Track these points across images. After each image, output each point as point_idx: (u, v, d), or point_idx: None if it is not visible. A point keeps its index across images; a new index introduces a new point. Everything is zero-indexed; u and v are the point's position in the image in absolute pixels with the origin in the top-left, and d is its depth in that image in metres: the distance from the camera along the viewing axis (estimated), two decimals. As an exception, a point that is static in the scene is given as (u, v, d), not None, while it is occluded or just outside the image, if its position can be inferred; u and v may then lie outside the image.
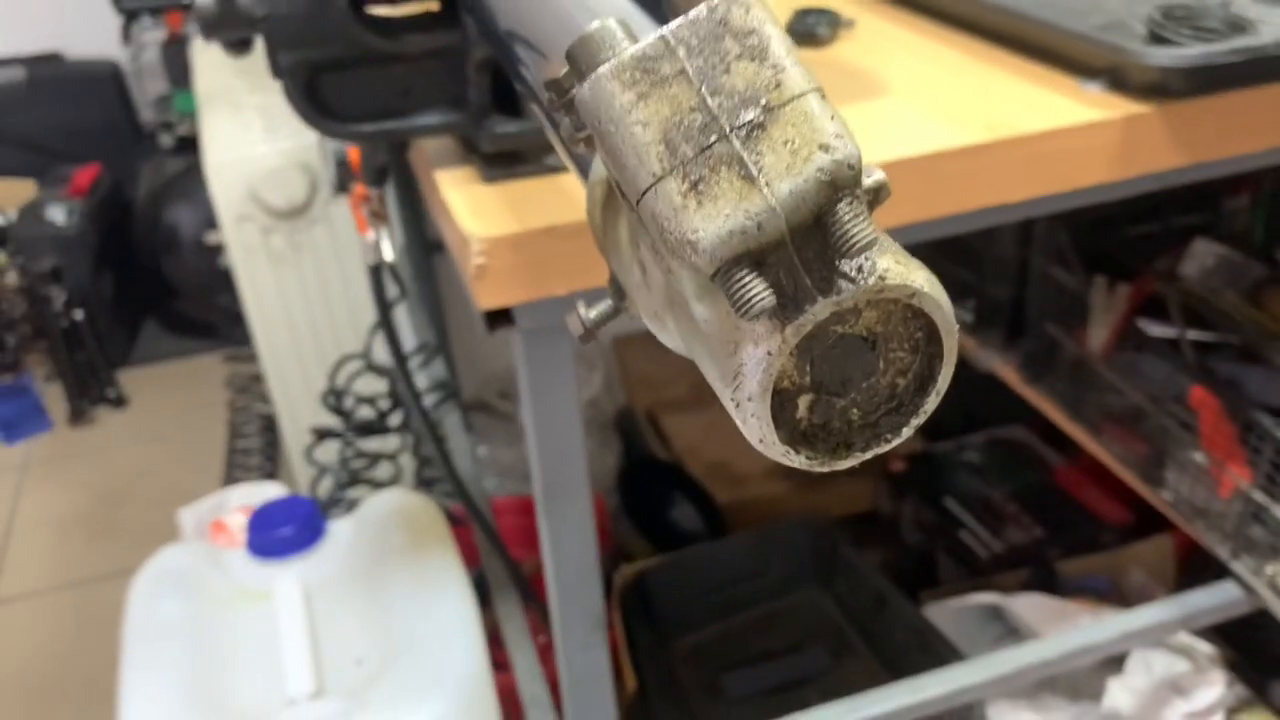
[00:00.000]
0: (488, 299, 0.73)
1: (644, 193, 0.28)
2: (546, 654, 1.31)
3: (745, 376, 0.29)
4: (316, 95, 0.75)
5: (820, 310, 0.28)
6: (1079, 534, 1.65)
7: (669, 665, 1.40)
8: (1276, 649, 1.42)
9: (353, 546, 1.17)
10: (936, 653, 1.26)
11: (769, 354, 0.29)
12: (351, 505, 1.55)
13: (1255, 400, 1.16)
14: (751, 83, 0.28)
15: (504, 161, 0.78)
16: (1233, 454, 1.16)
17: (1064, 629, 1.29)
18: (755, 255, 0.28)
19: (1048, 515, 1.68)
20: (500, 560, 1.28)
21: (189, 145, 2.37)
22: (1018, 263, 1.46)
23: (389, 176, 1.00)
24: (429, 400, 1.58)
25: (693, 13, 0.28)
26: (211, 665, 1.02)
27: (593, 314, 0.38)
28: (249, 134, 1.55)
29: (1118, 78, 0.84)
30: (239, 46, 0.76)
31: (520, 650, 1.22)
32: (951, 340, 0.30)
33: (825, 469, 0.32)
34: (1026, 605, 1.36)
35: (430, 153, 0.84)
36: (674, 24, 0.28)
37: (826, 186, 0.28)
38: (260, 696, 0.99)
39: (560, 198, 0.76)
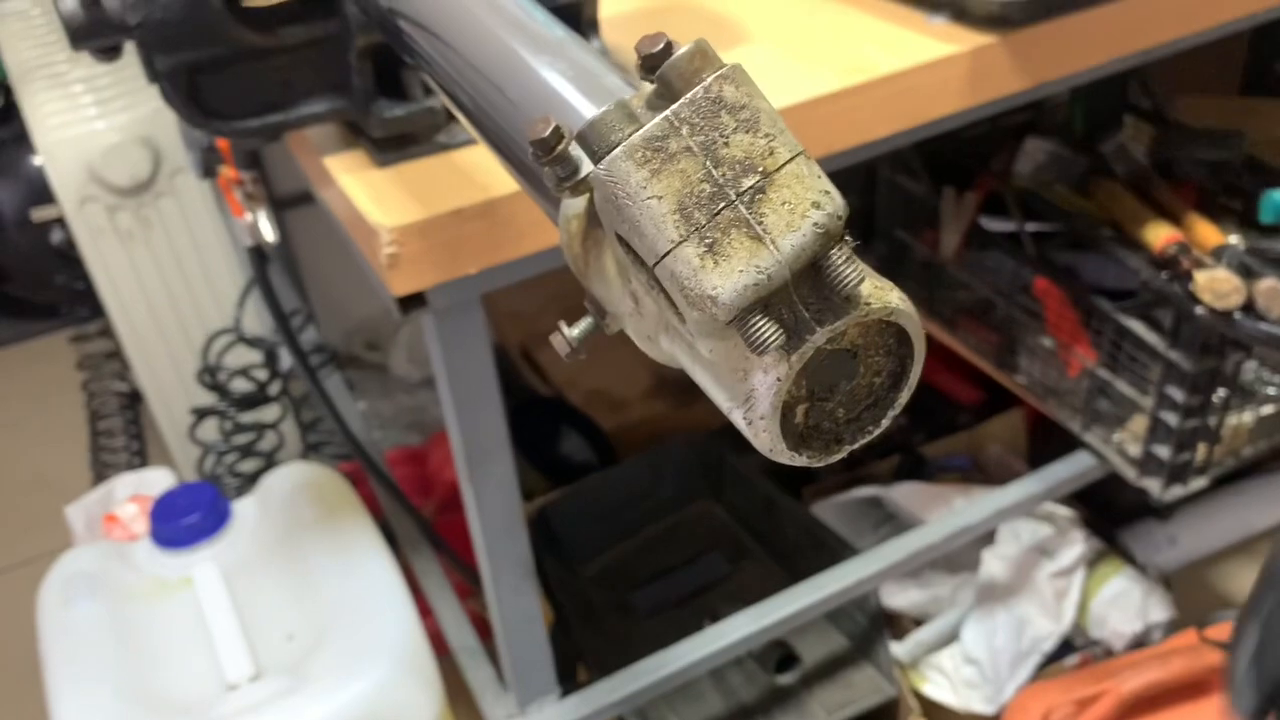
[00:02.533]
0: (401, 286, 0.75)
1: (663, 256, 0.32)
2: (462, 599, 1.35)
3: (757, 399, 0.34)
4: (197, 96, 0.74)
5: (819, 338, 0.33)
6: (939, 418, 1.77)
7: (581, 592, 1.46)
8: (1120, 504, 1.58)
9: (262, 524, 1.17)
10: (828, 547, 1.36)
11: (778, 379, 0.33)
12: (242, 481, 1.54)
13: (1092, 284, 1.27)
14: (749, 152, 0.31)
15: (395, 144, 0.79)
16: (1077, 336, 1.27)
17: (941, 511, 1.40)
18: (765, 300, 0.32)
19: (910, 403, 1.79)
20: (407, 514, 1.31)
21: (-2, 118, 2.23)
22: (865, 173, 1.54)
23: (262, 157, 0.99)
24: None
25: (689, 94, 0.31)
26: (142, 663, 1.02)
27: (575, 332, 0.41)
28: (80, 111, 1.48)
29: (960, 10, 0.90)
30: (109, 53, 0.74)
31: (443, 600, 1.26)
32: (921, 344, 0.35)
33: (823, 463, 0.37)
34: (904, 494, 1.47)
35: (313, 138, 0.84)
36: (675, 105, 0.31)
37: (821, 236, 0.32)
38: (199, 687, 1.00)
39: (459, 176, 0.77)
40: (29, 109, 1.52)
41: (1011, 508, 1.28)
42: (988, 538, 1.43)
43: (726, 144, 0.32)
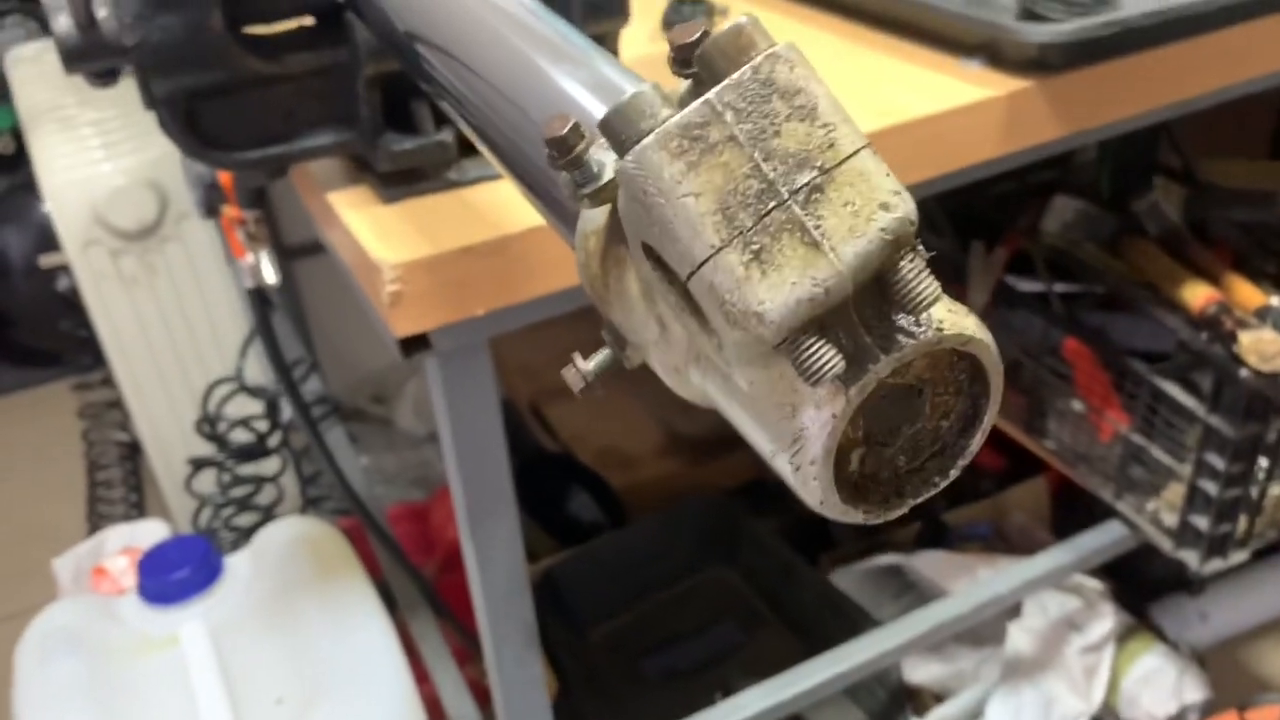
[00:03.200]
0: (404, 326, 0.70)
1: (700, 265, 0.27)
2: (461, 664, 1.29)
3: (808, 440, 0.28)
4: (196, 124, 0.70)
5: (883, 368, 0.28)
6: (961, 484, 1.69)
7: (588, 658, 1.39)
8: (1152, 576, 1.51)
9: (255, 581, 1.12)
10: (848, 617, 1.30)
11: (834, 416, 0.28)
12: (239, 535, 1.49)
13: (1123, 346, 1.22)
14: (805, 144, 0.27)
15: (402, 179, 0.75)
16: (1109, 400, 1.22)
17: (965, 582, 1.34)
18: (820, 320, 0.27)
19: (931, 468, 1.73)
20: (407, 574, 1.25)
21: (9, 164, 2.22)
22: (887, 229, 1.50)
23: (266, 197, 0.95)
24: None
25: (735, 75, 0.27)
26: (121, 726, 0.96)
27: (591, 365, 0.36)
28: (87, 153, 1.45)
29: (995, 54, 0.86)
30: (105, 78, 0.70)
31: (441, 666, 1.20)
32: (999, 380, 0.30)
33: (880, 519, 0.32)
34: (926, 562, 1.41)
35: (316, 173, 0.81)
36: (718, 88, 0.27)
37: (890, 245, 0.27)
38: (179, 753, 0.94)
39: (469, 214, 0.73)
40: (37, 153, 1.49)
41: (1040, 578, 1.22)
42: (1013, 610, 1.36)
43: (778, 133, 0.27)
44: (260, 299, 1.01)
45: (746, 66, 0.27)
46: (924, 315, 0.28)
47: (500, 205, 0.74)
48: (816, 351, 0.27)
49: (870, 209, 0.27)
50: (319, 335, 1.95)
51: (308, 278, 1.92)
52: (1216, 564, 1.16)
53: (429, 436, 1.98)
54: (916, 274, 0.27)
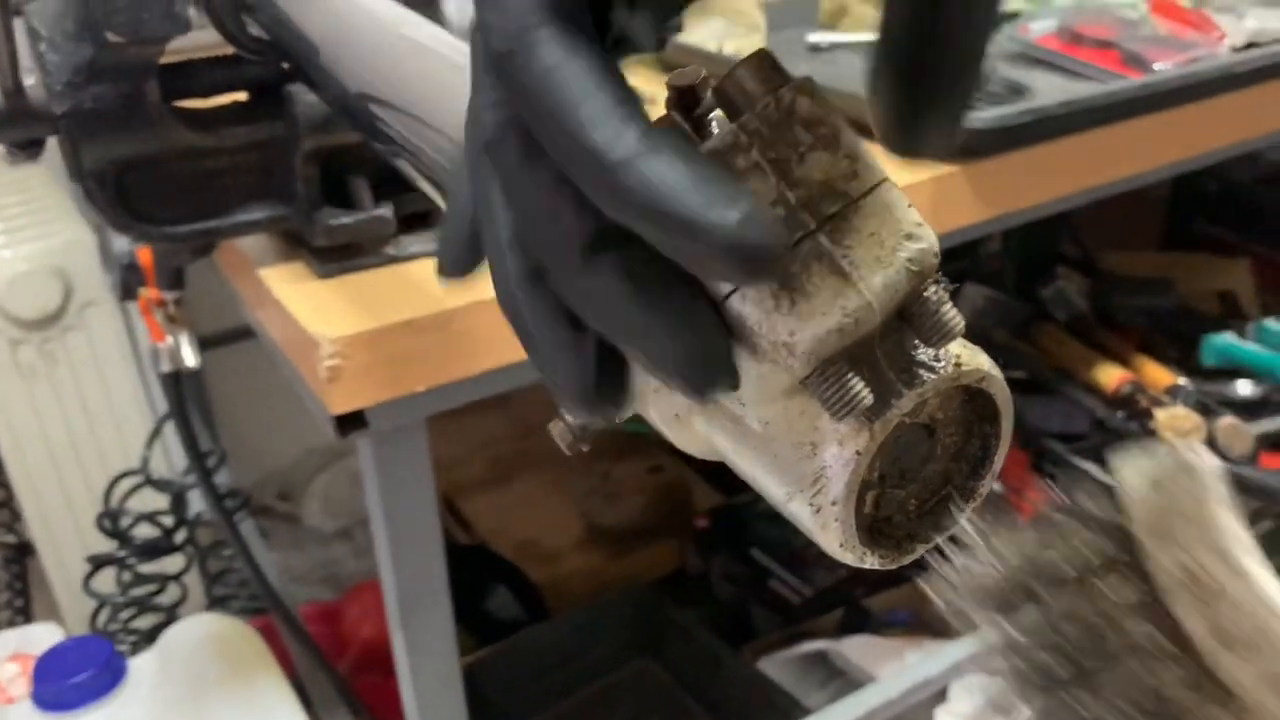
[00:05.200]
0: (340, 403, 0.68)
1: (727, 296, 0.26)
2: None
3: (830, 480, 0.28)
4: (125, 197, 0.68)
5: (906, 403, 0.27)
6: (879, 570, 1.71)
7: (510, 760, 1.34)
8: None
9: (162, 683, 1.06)
10: (777, 707, 1.28)
11: (857, 454, 0.27)
12: (139, 638, 1.41)
13: (1039, 428, 1.25)
14: (829, 173, 0.26)
15: (339, 255, 0.74)
16: (1027, 480, 1.24)
17: (893, 666, 1.34)
18: (848, 352, 0.27)
19: (850, 555, 1.74)
20: (324, 674, 1.19)
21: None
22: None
23: (186, 278, 0.92)
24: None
25: (760, 105, 0.26)
26: (13, 847, 0.89)
27: (581, 420, 0.35)
28: (-13, 239, 1.40)
29: (920, 140, 0.89)
30: (27, 149, 0.68)
31: (360, 771, 1.14)
32: (1009, 420, 0.30)
33: (894, 565, 0.31)
34: (853, 647, 1.40)
35: (246, 250, 0.79)
36: (745, 116, 0.26)
37: (915, 275, 0.27)
38: None
39: (408, 289, 0.72)
40: (-70, 237, 1.43)
41: (969, 660, 1.22)
42: (940, 695, 1.36)
43: (802, 162, 0.26)
44: (177, 383, 0.97)
45: (769, 96, 0.26)
46: (943, 350, 0.28)
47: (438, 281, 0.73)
48: (846, 384, 0.26)
49: (895, 239, 0.27)
50: (225, 429, 1.88)
51: (214, 370, 1.86)
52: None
53: (338, 534, 1.92)
54: (941, 302, 0.27)
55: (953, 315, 0.27)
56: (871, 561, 0.30)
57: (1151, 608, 0.28)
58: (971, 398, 0.30)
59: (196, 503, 1.47)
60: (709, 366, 0.26)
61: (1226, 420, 0.99)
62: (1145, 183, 1.02)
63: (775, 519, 1.58)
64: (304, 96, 0.68)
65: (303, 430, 1.98)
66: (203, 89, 0.69)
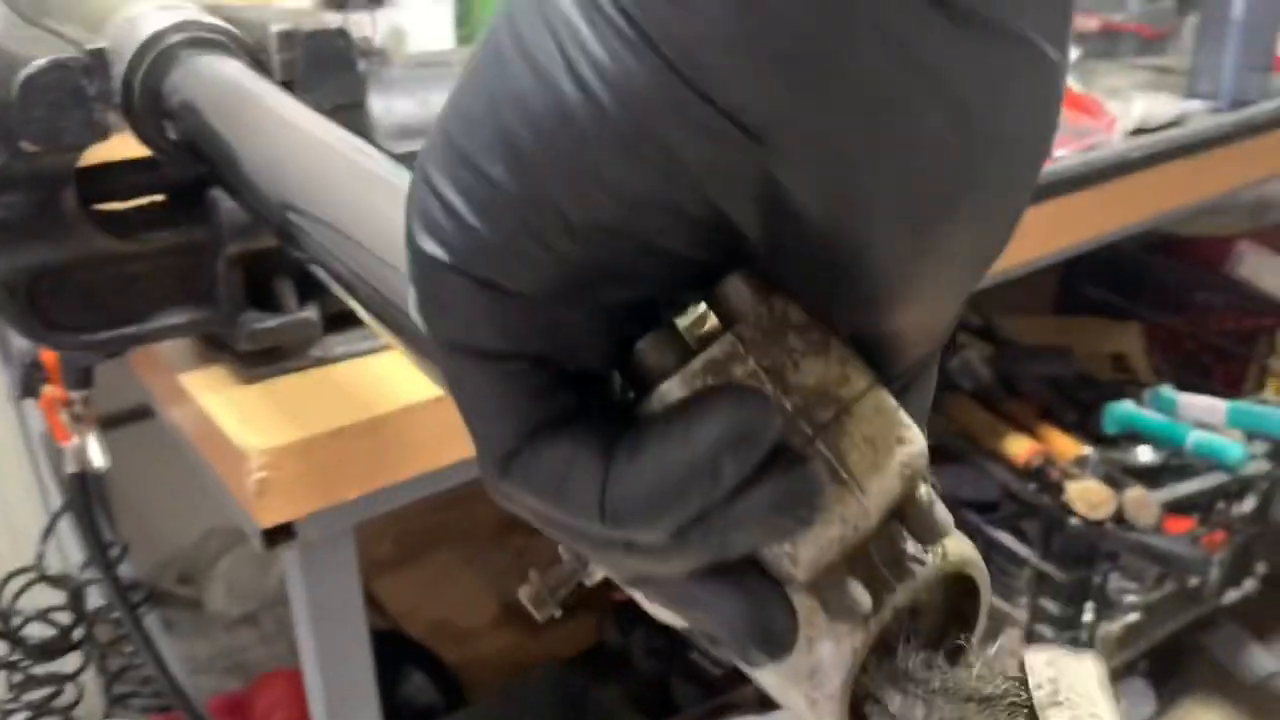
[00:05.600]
0: (270, 516, 0.66)
1: None
2: None
3: (826, 675, 0.28)
4: (38, 307, 0.66)
5: (899, 598, 0.28)
6: (798, 637, 1.72)
7: None
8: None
9: (64, 801, 1.00)
10: (705, 787, 1.26)
11: (854, 650, 0.27)
12: (32, 744, 1.33)
13: (952, 497, 1.28)
14: (822, 379, 0.26)
15: (263, 359, 0.72)
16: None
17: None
18: (848, 555, 0.27)
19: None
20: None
21: None
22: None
23: (93, 378, 0.89)
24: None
25: (753, 313, 0.26)
26: None
27: (550, 583, 0.34)
28: None
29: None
30: (-67, 256, 0.65)
31: None
32: (988, 594, 0.31)
33: None
34: (779, 721, 1.40)
35: (162, 353, 0.76)
36: (740, 325, 0.26)
37: (908, 479, 0.27)
38: None
39: (336, 393, 0.70)
40: None
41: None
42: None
43: (797, 369, 0.26)
44: (82, 483, 0.93)
45: (763, 305, 0.27)
46: (938, 541, 0.28)
47: (369, 383, 0.72)
48: (845, 589, 0.26)
49: (888, 443, 0.27)
50: (120, 513, 1.81)
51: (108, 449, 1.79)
52: (1056, 706, 1.20)
53: (243, 619, 1.85)
54: (932, 504, 0.28)
55: (943, 513, 0.28)
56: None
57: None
58: (954, 582, 0.30)
59: (94, 596, 1.41)
60: (776, 642, 0.26)
61: (1134, 492, 1.02)
62: (1045, 264, 1.06)
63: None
64: (227, 202, 0.66)
65: (203, 511, 1.91)
66: (122, 192, 0.67)
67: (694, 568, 0.25)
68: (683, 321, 0.28)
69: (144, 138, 0.64)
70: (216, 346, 0.74)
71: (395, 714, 1.58)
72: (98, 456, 0.90)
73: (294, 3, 1.50)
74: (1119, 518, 1.02)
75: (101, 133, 0.60)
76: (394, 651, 1.67)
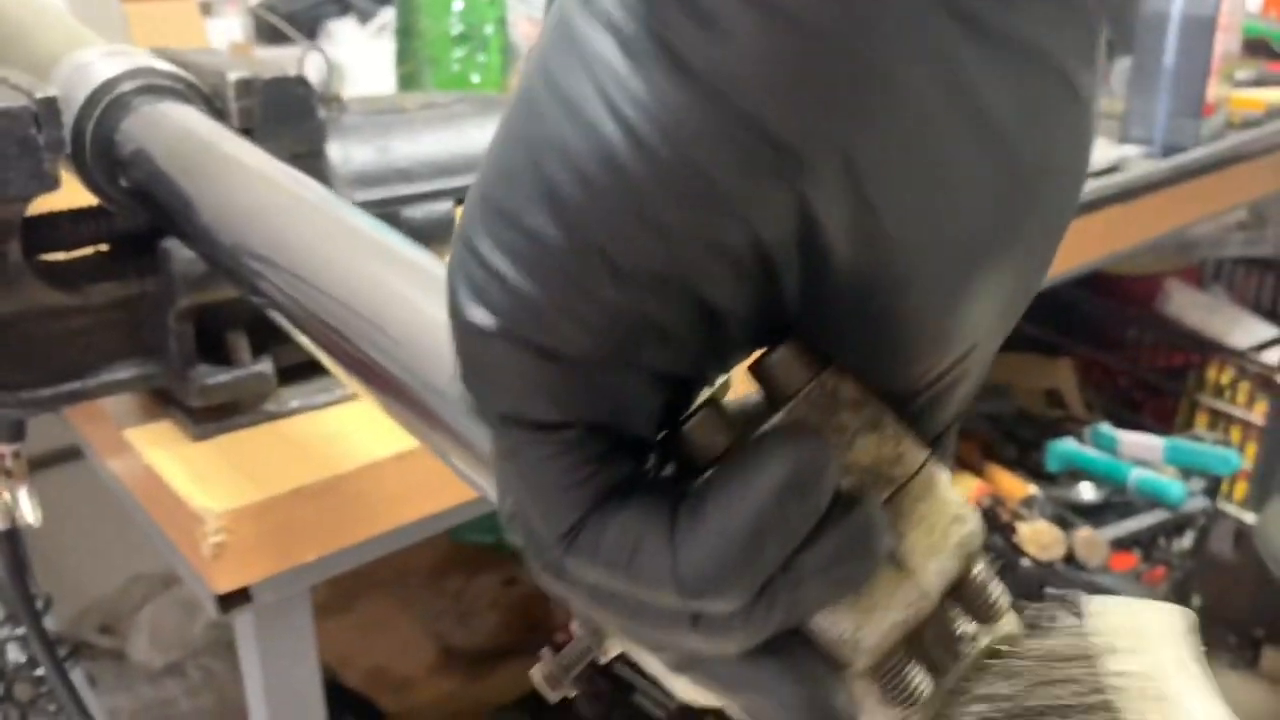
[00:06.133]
0: (226, 581, 0.63)
1: None
2: None
3: None
4: (-24, 362, 0.62)
5: (951, 679, 0.27)
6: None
7: None
8: None
9: None
10: (657, 836, 1.24)
11: None
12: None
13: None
14: (876, 458, 0.25)
15: (215, 414, 0.69)
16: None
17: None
18: (906, 641, 0.26)
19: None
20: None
21: None
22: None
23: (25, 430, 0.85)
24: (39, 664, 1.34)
25: (806, 390, 0.25)
26: None
27: (564, 661, 0.33)
28: None
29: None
30: None
31: None
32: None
33: None
34: (728, 765, 1.38)
35: (106, 407, 0.73)
36: (793, 403, 0.25)
37: (965, 559, 0.26)
38: None
39: (292, 449, 0.68)
40: None
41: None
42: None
43: (850, 447, 0.25)
44: (13, 542, 0.88)
45: (814, 381, 0.26)
46: (994, 617, 0.27)
47: (325, 438, 0.69)
48: (905, 676, 0.25)
49: (945, 523, 0.26)
50: (38, 561, 1.74)
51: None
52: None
53: (168, 669, 1.78)
54: (989, 583, 0.27)
55: (1001, 592, 0.27)
56: None
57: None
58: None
59: (12, 651, 1.34)
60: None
61: (1083, 533, 1.03)
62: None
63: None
64: (180, 253, 0.63)
65: (125, 557, 1.85)
66: (67, 243, 0.64)
67: (758, 641, 0.24)
68: (720, 395, 0.27)
69: (94, 187, 0.61)
70: (163, 400, 0.71)
71: (333, 767, 1.53)
72: (29, 513, 0.86)
73: (228, 37, 1.47)
74: (1068, 557, 1.03)
75: (51, 184, 0.57)
76: (332, 703, 1.62)
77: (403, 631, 1.76)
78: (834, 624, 0.25)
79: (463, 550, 1.85)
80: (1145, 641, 0.27)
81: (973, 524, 0.27)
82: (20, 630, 1.36)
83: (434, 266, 0.42)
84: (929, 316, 0.23)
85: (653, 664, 0.32)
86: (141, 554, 1.86)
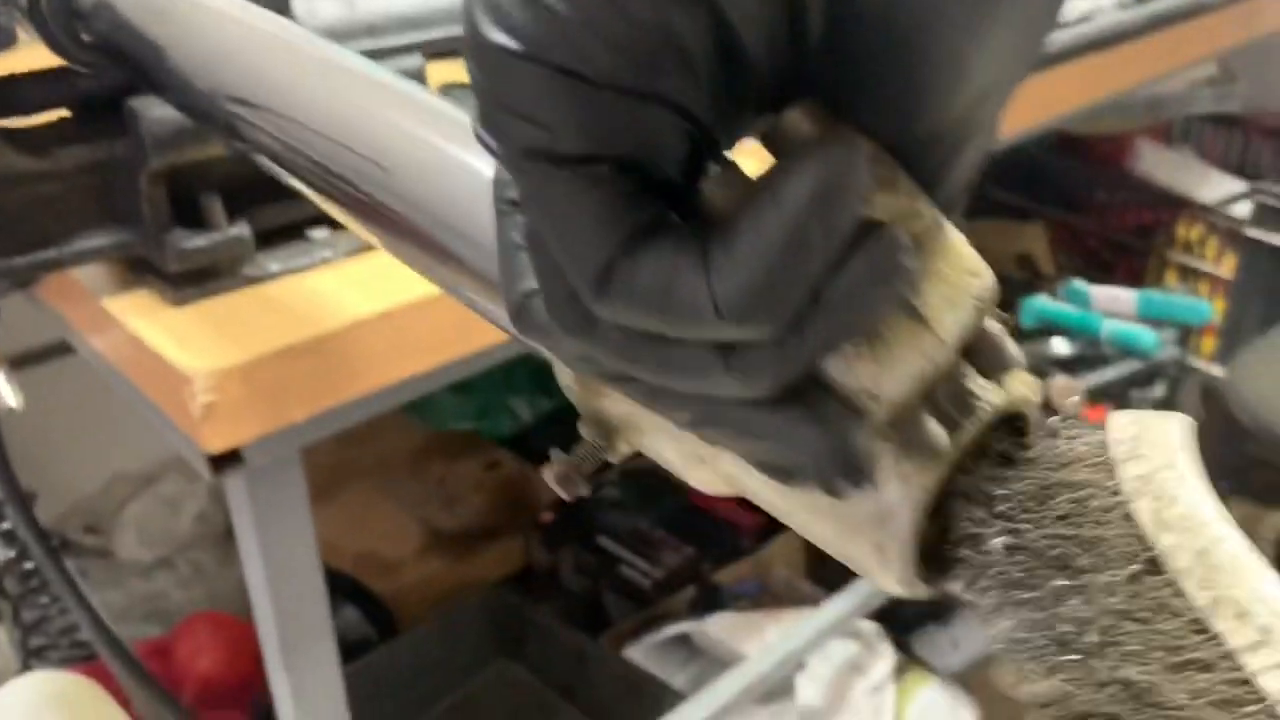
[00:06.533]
0: (216, 442, 0.63)
1: None
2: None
3: (896, 518, 0.27)
4: (-54, 231, 0.61)
5: (966, 435, 0.27)
6: (724, 545, 1.75)
7: (378, 783, 1.30)
8: (909, 610, 1.60)
9: (-4, 756, 0.96)
10: (649, 695, 1.28)
11: (925, 489, 0.27)
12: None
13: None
14: (892, 215, 0.25)
15: (193, 280, 0.68)
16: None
17: (755, 640, 1.37)
18: (925, 393, 0.26)
19: (693, 533, 1.76)
20: (174, 714, 1.12)
21: None
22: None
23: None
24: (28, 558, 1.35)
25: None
26: None
27: (575, 461, 0.33)
28: None
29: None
30: None
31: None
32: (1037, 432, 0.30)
33: (937, 591, 0.31)
34: (715, 627, 1.42)
35: (79, 276, 0.72)
36: None
37: (980, 312, 0.27)
38: None
39: (275, 312, 0.67)
40: None
41: (829, 628, 1.26)
42: (798, 662, 1.40)
43: (868, 205, 0.26)
44: (-6, 427, 0.88)
45: (839, 138, 0.26)
46: (1007, 375, 0.28)
47: (308, 300, 0.69)
48: (922, 426, 0.26)
49: (961, 277, 0.26)
50: (19, 462, 1.73)
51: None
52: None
53: (158, 563, 1.80)
54: (1002, 338, 0.27)
55: (1013, 348, 0.27)
56: (921, 590, 0.30)
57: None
58: (1007, 421, 0.30)
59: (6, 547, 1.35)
60: (857, 468, 0.25)
61: (1059, 381, 1.04)
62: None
63: (620, 505, 1.57)
64: (149, 112, 0.62)
65: (107, 456, 1.85)
66: (29, 107, 0.63)
67: (788, 378, 0.24)
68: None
69: (54, 45, 0.59)
70: (140, 270, 0.70)
71: (328, 648, 1.56)
72: (9, 396, 0.85)
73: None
74: (1044, 405, 1.05)
75: (8, 39, 0.56)
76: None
77: (388, 518, 1.77)
78: (854, 374, 0.25)
79: (443, 437, 1.86)
80: (1156, 449, 0.27)
81: (987, 278, 0.27)
82: (5, 525, 1.36)
83: (420, 94, 0.41)
84: (949, 41, 0.23)
85: (668, 451, 0.33)
86: (123, 453, 1.86)
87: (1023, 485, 0.27)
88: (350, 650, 1.51)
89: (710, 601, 1.61)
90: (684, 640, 1.48)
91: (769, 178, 0.23)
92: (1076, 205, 1.78)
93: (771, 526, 1.76)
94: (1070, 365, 1.22)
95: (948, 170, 0.26)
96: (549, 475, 0.34)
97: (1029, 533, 0.27)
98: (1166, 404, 1.34)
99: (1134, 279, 1.65)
